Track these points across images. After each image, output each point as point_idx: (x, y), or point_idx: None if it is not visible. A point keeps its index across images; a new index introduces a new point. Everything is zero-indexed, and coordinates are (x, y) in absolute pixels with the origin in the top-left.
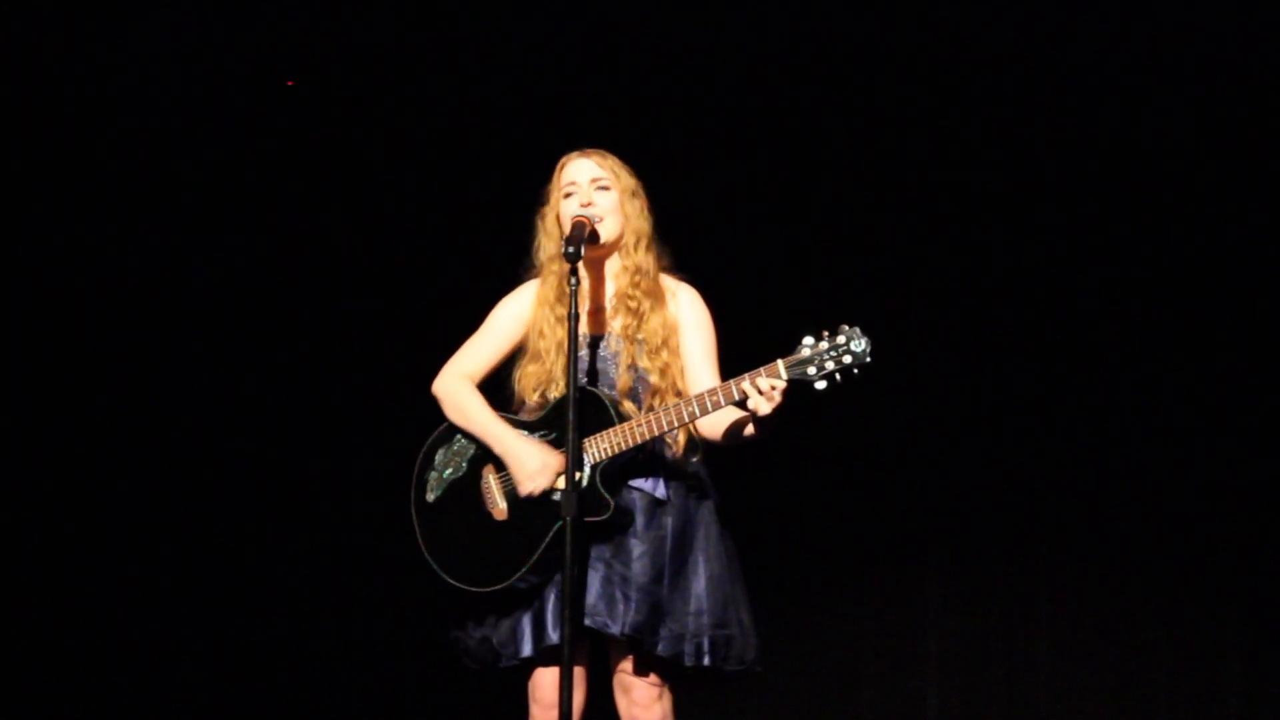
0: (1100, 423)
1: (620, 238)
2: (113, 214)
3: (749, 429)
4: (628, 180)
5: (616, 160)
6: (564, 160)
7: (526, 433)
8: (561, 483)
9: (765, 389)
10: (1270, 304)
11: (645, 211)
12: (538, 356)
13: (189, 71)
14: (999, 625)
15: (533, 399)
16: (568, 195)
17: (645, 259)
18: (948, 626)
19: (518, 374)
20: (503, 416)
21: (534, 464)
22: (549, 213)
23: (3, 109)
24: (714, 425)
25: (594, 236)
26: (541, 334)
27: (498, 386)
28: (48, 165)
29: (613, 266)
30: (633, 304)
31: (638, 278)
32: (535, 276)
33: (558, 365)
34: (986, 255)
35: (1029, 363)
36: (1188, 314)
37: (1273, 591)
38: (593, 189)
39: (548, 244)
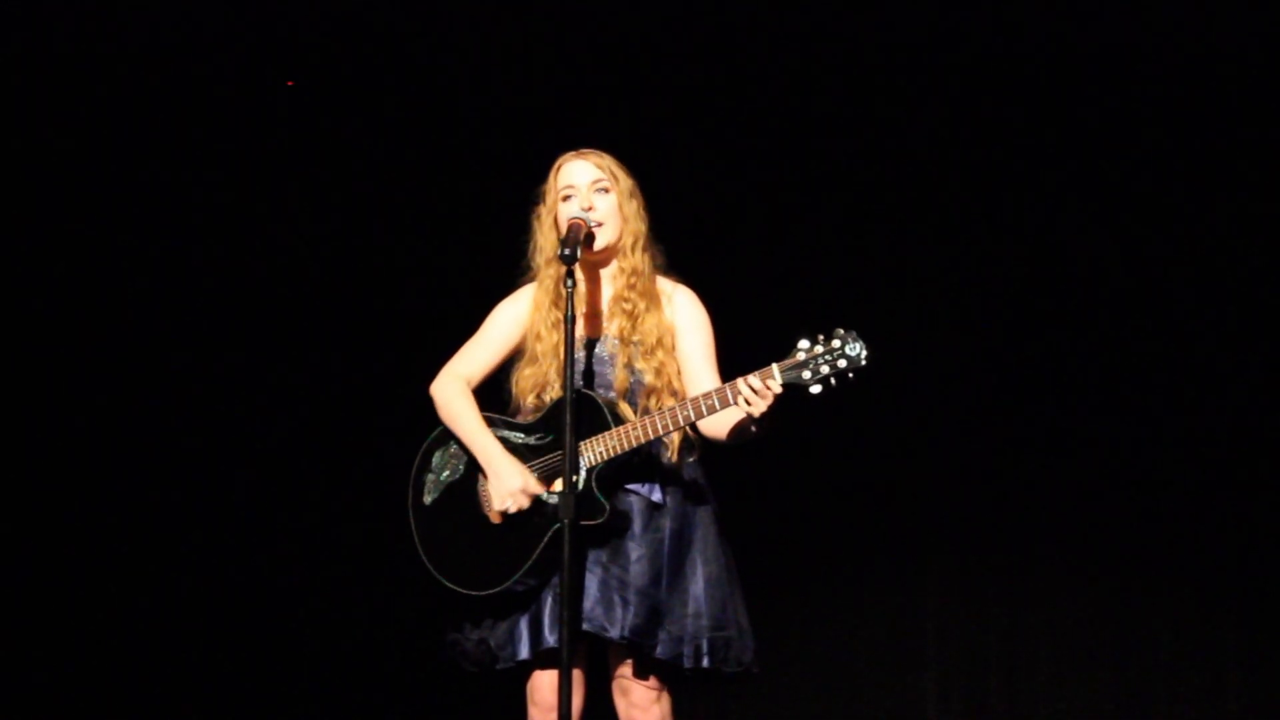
0: (1101, 421)
1: (619, 241)
2: (112, 215)
3: (750, 427)
4: (626, 181)
5: (614, 160)
6: (560, 161)
7: (523, 434)
8: (559, 485)
9: (759, 389)
10: (1271, 304)
11: (642, 212)
12: (534, 359)
13: (189, 71)
14: (998, 626)
15: (530, 401)
16: (566, 198)
17: (641, 260)
18: (947, 627)
19: (515, 376)
20: (500, 418)
21: (513, 484)
22: (545, 214)
23: (3, 109)
24: (714, 425)
25: (590, 239)
26: (539, 337)
27: (496, 388)
28: (47, 166)
29: (609, 269)
30: (628, 306)
31: (633, 279)
32: (531, 279)
33: (554, 368)
34: (984, 257)
35: (1027, 363)
36: (1188, 314)
37: (1272, 591)
38: (592, 192)
39: (544, 245)
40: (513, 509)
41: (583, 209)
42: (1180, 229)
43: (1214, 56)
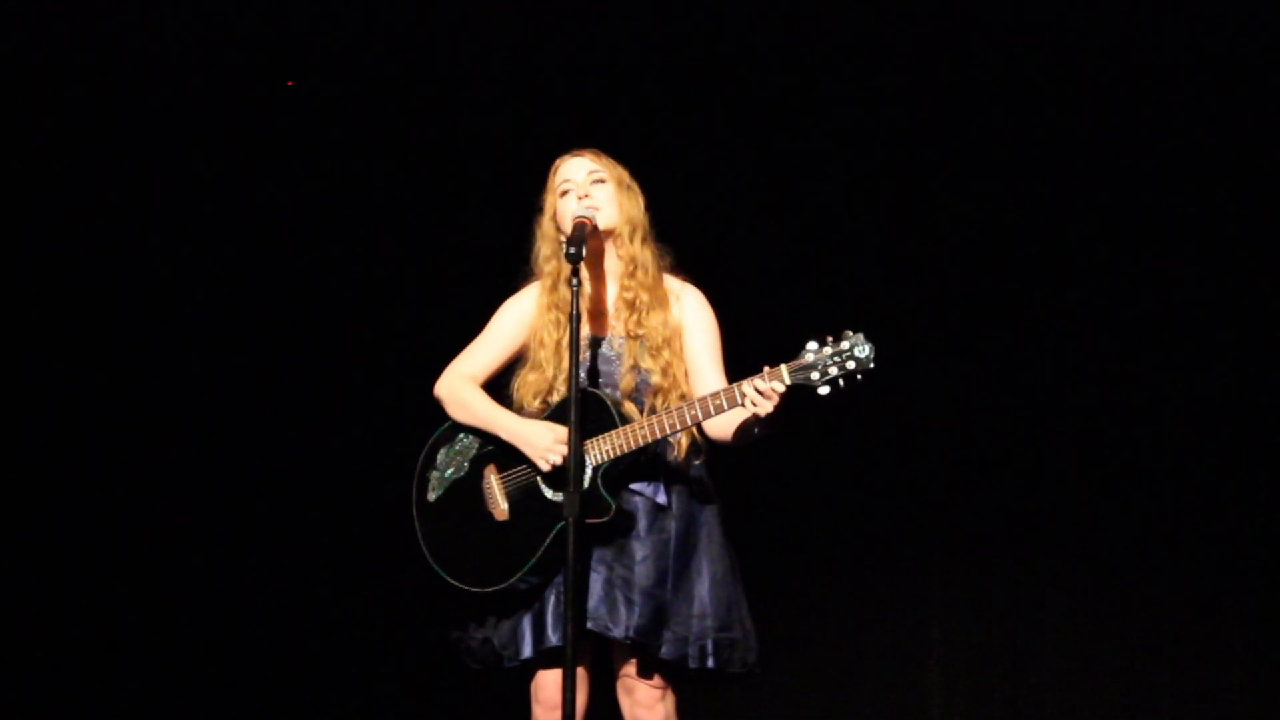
0: (1103, 421)
1: (617, 226)
2: (113, 215)
3: (755, 428)
4: (620, 172)
5: (607, 156)
6: (556, 163)
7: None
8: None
9: (765, 390)
10: (1271, 303)
11: (640, 204)
12: (538, 366)
13: (189, 71)
14: (1001, 625)
15: (533, 405)
16: (564, 193)
17: (641, 251)
18: (950, 626)
19: (516, 383)
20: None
21: (546, 440)
22: (545, 217)
23: (3, 109)
24: (718, 426)
25: (594, 231)
26: (542, 343)
27: (497, 394)
28: (47, 165)
29: (613, 267)
30: (629, 295)
31: (633, 268)
32: (536, 279)
33: (559, 372)
34: (988, 258)
35: (1031, 362)
36: (1189, 313)
37: (1276, 589)
38: (589, 183)
39: (545, 249)
40: (559, 460)
41: (580, 197)
42: (1188, 228)
43: (1214, 56)
